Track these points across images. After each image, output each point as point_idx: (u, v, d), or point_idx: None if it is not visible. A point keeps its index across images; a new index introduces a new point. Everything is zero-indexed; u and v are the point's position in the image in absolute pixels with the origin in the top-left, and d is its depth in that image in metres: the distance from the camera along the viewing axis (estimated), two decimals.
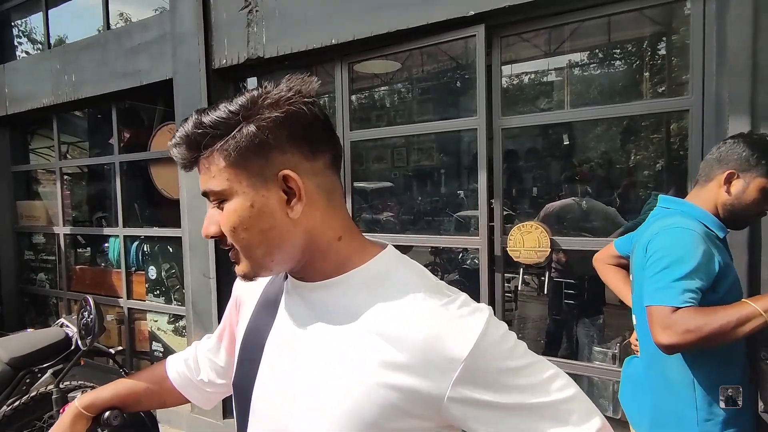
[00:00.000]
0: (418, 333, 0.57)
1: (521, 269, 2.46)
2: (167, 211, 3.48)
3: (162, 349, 3.52)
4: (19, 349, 2.18)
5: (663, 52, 3.57)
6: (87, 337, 1.17)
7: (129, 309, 3.65)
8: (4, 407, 2.11)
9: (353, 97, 2.73)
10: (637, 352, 1.43)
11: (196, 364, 0.93)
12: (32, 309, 4.47)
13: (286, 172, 0.60)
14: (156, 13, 3.39)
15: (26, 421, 2.17)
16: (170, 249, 3.44)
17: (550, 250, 2.11)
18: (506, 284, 2.47)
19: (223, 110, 0.59)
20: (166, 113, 3.51)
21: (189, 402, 0.95)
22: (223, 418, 2.94)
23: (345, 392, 0.59)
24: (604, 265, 1.64)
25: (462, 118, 2.50)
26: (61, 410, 1.00)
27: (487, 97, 2.19)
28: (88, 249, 4.20)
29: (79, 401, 0.86)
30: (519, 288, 3.82)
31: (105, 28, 3.63)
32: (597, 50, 4.19)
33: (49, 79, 3.70)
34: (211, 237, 0.63)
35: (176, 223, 3.14)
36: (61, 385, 1.09)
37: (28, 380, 2.18)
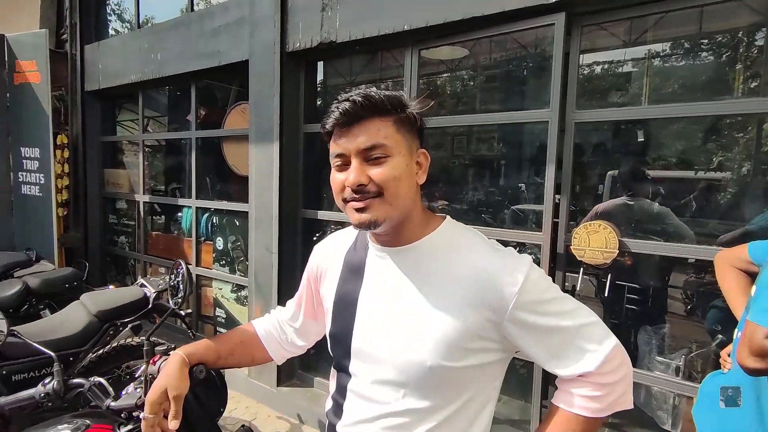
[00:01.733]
0: (484, 275, 0.79)
1: (581, 269, 2.38)
2: (236, 186, 3.67)
3: (224, 316, 3.76)
4: (105, 303, 2.41)
5: (761, 43, 3.24)
6: (175, 297, 1.28)
7: (198, 275, 3.92)
8: (91, 354, 2.36)
9: (420, 82, 2.72)
10: (726, 368, 1.33)
11: (281, 326, 1.11)
12: (113, 268, 4.90)
13: (424, 150, 0.86)
14: None
15: (107, 369, 2.41)
16: (237, 222, 3.63)
17: (617, 251, 2.03)
18: (564, 283, 2.40)
19: (397, 94, 0.82)
20: (239, 93, 3.67)
21: (272, 360, 1.10)
22: (277, 386, 3.11)
23: (433, 324, 0.80)
24: (727, 265, 1.46)
25: (531, 109, 2.43)
26: (151, 361, 1.11)
27: (562, 88, 2.12)
28: (163, 217, 4.52)
29: (182, 350, 0.98)
30: (577, 288, 3.69)
31: (189, 10, 3.83)
32: (684, 41, 3.88)
33: (138, 57, 3.97)
34: (360, 184, 0.78)
35: (243, 198, 3.31)
36: (149, 339, 1.23)
37: (111, 332, 2.42)
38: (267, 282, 3.09)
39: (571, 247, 2.15)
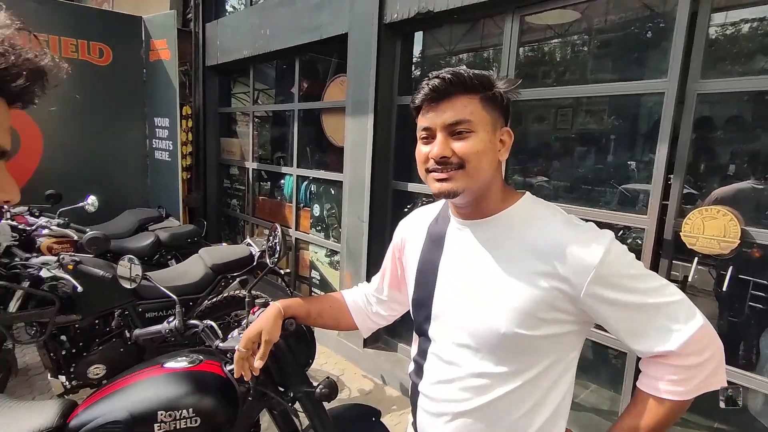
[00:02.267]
0: (561, 248, 0.80)
1: (695, 258, 2.14)
2: (333, 156, 3.84)
3: (319, 278, 4.03)
4: (219, 258, 2.73)
5: None
6: (272, 257, 1.42)
7: (296, 239, 4.23)
8: (206, 301, 2.69)
9: (520, 51, 2.58)
10: None
11: (367, 298, 1.19)
12: (226, 227, 5.47)
13: (509, 129, 0.88)
14: None
15: (218, 316, 2.74)
16: (332, 191, 3.83)
17: (739, 242, 1.80)
18: (673, 272, 2.19)
19: (486, 73, 0.84)
20: (338, 67, 3.79)
21: (356, 329, 1.20)
22: (363, 347, 3.30)
23: (508, 293, 0.83)
24: None
25: (647, 79, 2.19)
26: (252, 311, 1.26)
27: (685, 55, 1.88)
28: (269, 183, 4.90)
29: (279, 303, 1.13)
30: (689, 279, 3.33)
31: None
32: None
33: (249, 33, 4.27)
34: (443, 156, 0.82)
35: (339, 168, 3.47)
36: (250, 292, 1.39)
37: (222, 284, 2.74)
38: (357, 249, 3.24)
39: (681, 233, 1.94)
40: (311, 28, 3.56)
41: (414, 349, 1.05)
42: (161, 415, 1.20)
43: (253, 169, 4.82)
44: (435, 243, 0.97)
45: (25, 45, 0.46)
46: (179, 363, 1.34)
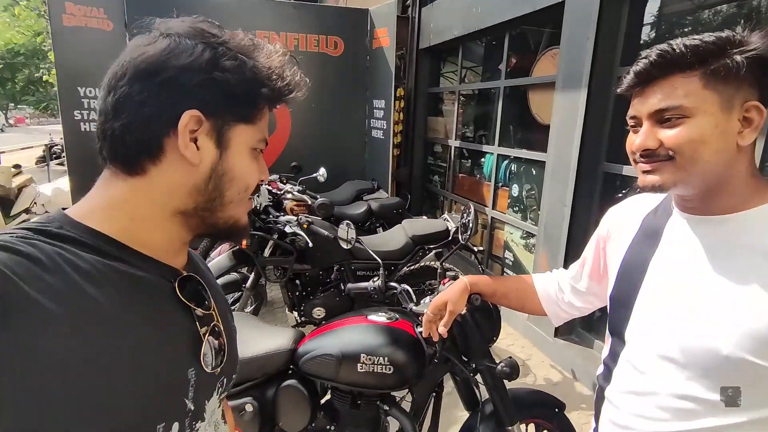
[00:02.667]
0: None
1: None
2: (536, 135, 3.67)
3: (512, 259, 3.98)
4: (419, 229, 2.96)
5: None
6: (464, 234, 1.50)
7: (492, 218, 4.24)
8: (405, 268, 2.97)
9: None
10: None
11: (560, 287, 1.13)
12: (427, 201, 5.83)
13: (755, 103, 0.68)
14: None
15: (414, 282, 2.99)
16: (533, 171, 3.68)
17: None
18: None
19: (708, 40, 0.68)
20: (551, 39, 3.56)
21: (543, 314, 1.16)
22: (554, 336, 3.15)
23: (743, 311, 0.68)
24: None
25: None
26: (442, 282, 1.36)
27: None
28: (469, 161, 4.99)
29: (467, 278, 1.19)
30: None
31: None
32: None
33: (460, 13, 4.34)
34: (646, 149, 0.72)
35: (543, 148, 3.30)
36: (442, 265, 1.51)
37: (420, 254, 2.97)
38: (556, 235, 3.07)
39: None
40: (524, 0, 3.42)
41: (605, 350, 0.95)
42: (363, 357, 1.42)
43: (455, 147, 4.97)
44: (649, 237, 0.85)
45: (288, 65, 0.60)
46: (380, 317, 1.55)
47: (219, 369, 0.61)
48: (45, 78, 17.59)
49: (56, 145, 12.60)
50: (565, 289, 1.12)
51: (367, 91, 5.27)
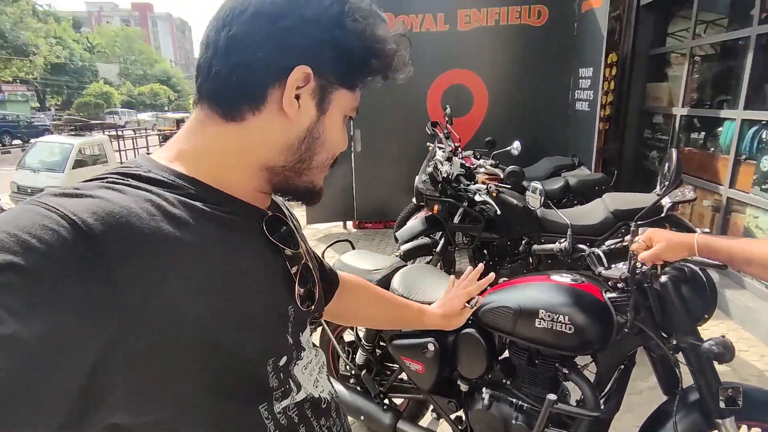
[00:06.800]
0: None
1: None
2: None
3: None
4: (622, 203, 2.66)
5: None
6: (662, 186, 1.32)
7: (728, 198, 3.47)
8: (604, 246, 2.71)
9: None
10: None
11: None
12: (641, 180, 5.09)
13: None
14: None
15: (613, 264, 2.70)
16: None
17: None
18: None
19: None
20: None
21: None
22: None
23: None
24: None
25: None
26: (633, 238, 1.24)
27: None
28: (701, 132, 4.16)
29: (699, 239, 1.10)
30: None
31: None
32: None
33: None
34: None
35: None
36: (637, 222, 1.37)
37: (623, 230, 2.67)
38: None
39: None
40: None
41: None
42: (542, 312, 1.40)
43: (681, 116, 4.20)
44: None
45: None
46: (564, 278, 1.49)
47: (312, 307, 0.62)
48: None
49: None
50: None
51: (573, 60, 4.87)
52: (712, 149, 3.83)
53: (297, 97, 0.52)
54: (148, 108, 42.22)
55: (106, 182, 0.46)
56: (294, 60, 0.50)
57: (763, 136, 3.16)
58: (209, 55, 0.51)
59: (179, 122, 19.04)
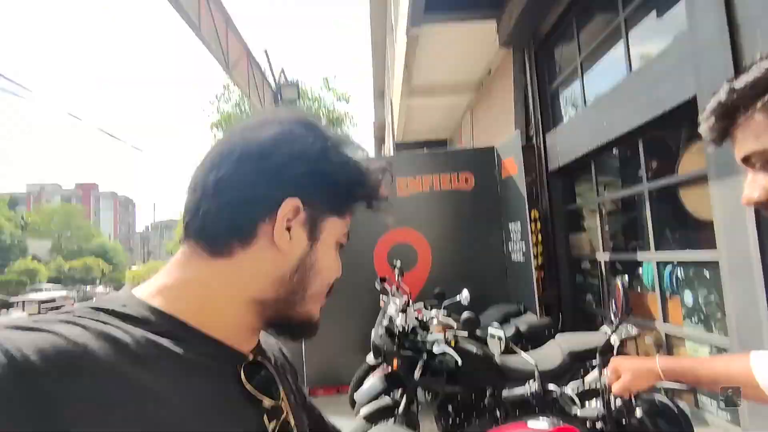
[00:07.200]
0: None
1: None
2: (698, 233, 3.31)
3: None
4: (576, 344, 2.73)
5: None
6: (615, 318, 1.40)
7: (665, 334, 3.66)
8: (571, 385, 2.67)
9: None
10: None
11: None
12: (583, 323, 5.27)
13: None
14: (671, 42, 3.43)
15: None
16: (706, 274, 3.22)
17: None
18: None
19: (759, 69, 0.60)
20: (691, 133, 3.41)
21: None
22: None
23: None
24: None
25: None
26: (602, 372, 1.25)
27: None
28: (626, 275, 4.56)
29: (661, 363, 1.06)
30: None
31: (628, 71, 4.01)
32: None
33: (587, 130, 4.46)
34: (755, 203, 0.64)
35: (710, 245, 2.94)
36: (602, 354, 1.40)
37: (582, 371, 2.68)
38: (757, 344, 2.52)
39: None
40: (650, 104, 3.43)
41: None
42: None
43: (605, 261, 4.64)
44: None
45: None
46: (540, 423, 1.43)
47: None
48: None
49: None
50: None
51: (502, 217, 5.43)
52: (639, 288, 4.17)
53: (288, 229, 0.53)
54: (77, 282, 40.16)
55: (72, 316, 0.44)
56: (283, 193, 0.52)
57: (678, 274, 3.52)
58: (197, 197, 0.52)
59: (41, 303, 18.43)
